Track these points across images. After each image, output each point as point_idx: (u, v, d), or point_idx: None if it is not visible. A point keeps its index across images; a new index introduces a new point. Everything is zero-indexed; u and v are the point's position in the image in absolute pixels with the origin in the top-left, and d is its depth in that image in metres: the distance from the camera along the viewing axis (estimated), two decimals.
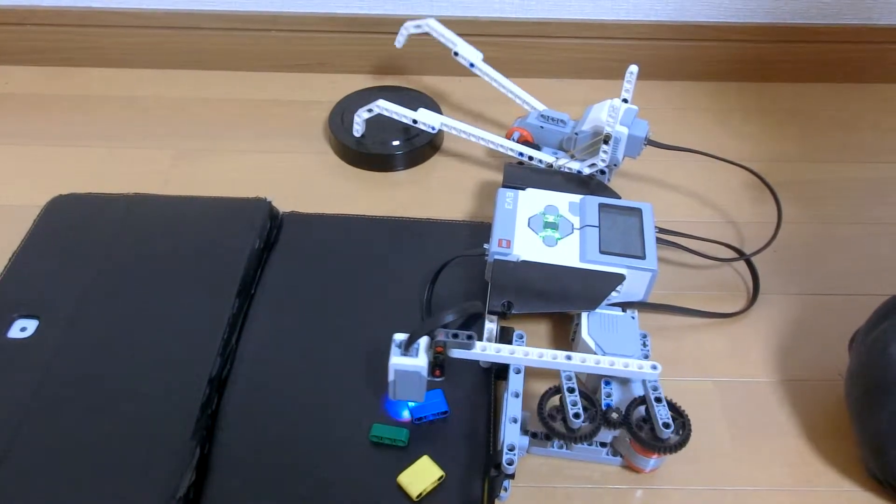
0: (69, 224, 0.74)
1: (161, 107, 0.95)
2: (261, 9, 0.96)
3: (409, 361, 0.53)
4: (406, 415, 0.60)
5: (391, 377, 0.54)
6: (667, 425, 0.56)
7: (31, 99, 0.96)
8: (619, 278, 0.65)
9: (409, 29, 0.88)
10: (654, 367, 0.57)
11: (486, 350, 0.56)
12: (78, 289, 0.68)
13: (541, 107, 0.85)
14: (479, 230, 0.77)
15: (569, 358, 0.57)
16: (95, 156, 0.87)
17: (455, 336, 0.54)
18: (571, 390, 0.58)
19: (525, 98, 0.86)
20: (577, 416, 0.57)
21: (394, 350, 0.54)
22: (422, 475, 0.56)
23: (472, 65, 0.86)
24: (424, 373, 0.54)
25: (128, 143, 0.89)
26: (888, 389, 0.55)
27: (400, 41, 0.89)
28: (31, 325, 0.65)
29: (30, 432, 0.57)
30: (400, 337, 0.54)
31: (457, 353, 0.55)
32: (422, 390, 0.56)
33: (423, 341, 0.54)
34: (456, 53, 0.86)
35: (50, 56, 1.00)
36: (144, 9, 0.96)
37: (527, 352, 0.56)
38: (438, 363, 0.55)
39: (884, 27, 0.97)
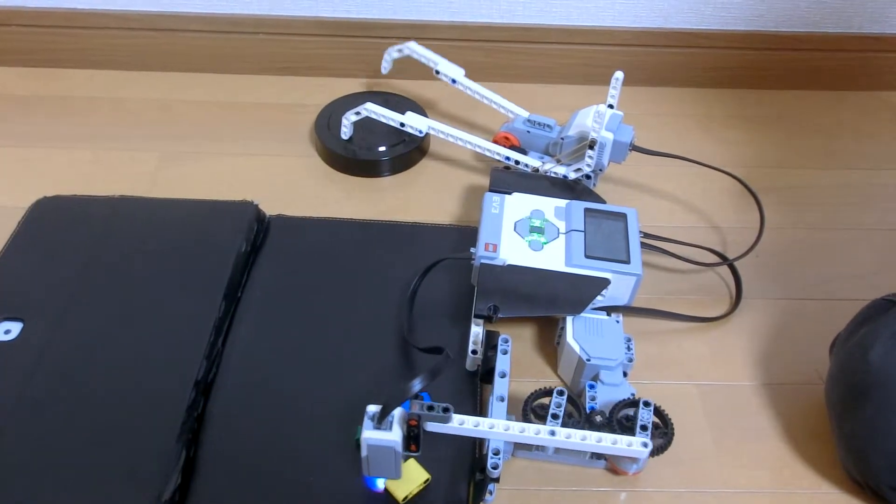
0: (54, 226, 0.74)
1: (147, 109, 0.95)
2: (248, 12, 0.96)
3: (382, 436, 0.49)
4: (381, 485, 0.57)
5: (364, 452, 0.51)
6: (644, 428, 0.57)
7: (16, 100, 0.95)
8: (604, 282, 0.66)
9: (392, 54, 0.91)
10: (645, 445, 0.55)
11: (463, 424, 0.52)
12: (63, 291, 0.67)
13: (525, 115, 0.85)
14: (466, 234, 0.77)
15: (552, 434, 0.53)
16: (81, 157, 0.87)
17: (431, 409, 0.50)
18: (561, 393, 0.59)
19: (509, 108, 0.86)
20: (555, 416, 0.57)
21: (366, 423, 0.50)
22: (408, 478, 0.56)
23: (454, 81, 0.87)
24: (399, 448, 0.50)
25: (113, 144, 0.89)
26: (867, 393, 0.56)
27: (385, 67, 0.92)
28: (15, 328, 0.64)
29: (14, 435, 0.57)
30: (373, 409, 0.50)
31: (432, 427, 0.51)
32: (397, 466, 0.52)
33: (397, 413, 0.50)
34: (437, 72, 0.87)
35: (35, 57, 0.99)
36: (130, 10, 0.95)
37: (507, 426, 0.53)
38: (413, 437, 0.51)
39: (865, 35, 0.98)
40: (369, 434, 0.49)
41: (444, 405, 0.50)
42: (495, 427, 0.53)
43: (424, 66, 0.89)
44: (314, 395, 0.63)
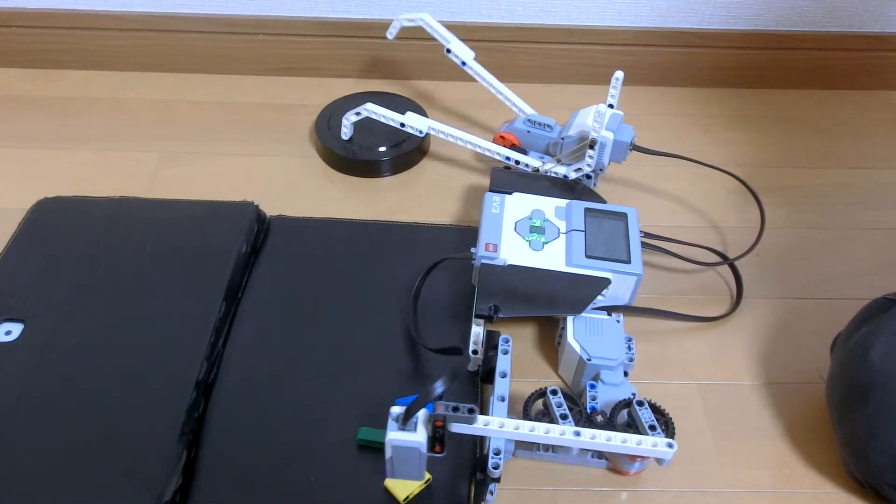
0: (55, 227, 0.74)
1: (147, 109, 0.95)
2: (248, 12, 0.96)
3: (407, 437, 0.49)
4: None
5: (388, 454, 0.50)
6: (653, 427, 0.57)
7: (16, 101, 0.95)
8: (605, 282, 0.66)
9: (402, 21, 0.88)
10: (670, 446, 0.54)
11: (488, 425, 0.52)
12: (63, 292, 0.67)
13: (529, 110, 0.85)
14: (466, 234, 0.77)
15: (577, 434, 0.53)
16: (81, 158, 0.87)
17: (455, 409, 0.49)
18: (555, 392, 0.59)
19: (514, 100, 0.86)
20: (563, 416, 0.57)
21: (390, 424, 0.49)
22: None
23: (463, 63, 0.86)
24: (424, 448, 0.49)
25: (113, 145, 0.89)
26: (868, 392, 0.56)
27: (392, 32, 0.90)
28: (16, 329, 0.64)
29: (15, 436, 0.57)
30: (397, 410, 0.50)
31: (457, 428, 0.51)
32: (422, 467, 0.51)
33: (422, 414, 0.50)
34: (448, 50, 0.86)
35: (35, 58, 0.99)
36: (130, 11, 0.95)
37: (532, 427, 0.53)
38: (438, 438, 0.50)
39: (865, 34, 0.98)
40: (394, 435, 0.49)
41: (470, 406, 0.50)
42: (520, 428, 0.52)
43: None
44: (315, 396, 0.63)
